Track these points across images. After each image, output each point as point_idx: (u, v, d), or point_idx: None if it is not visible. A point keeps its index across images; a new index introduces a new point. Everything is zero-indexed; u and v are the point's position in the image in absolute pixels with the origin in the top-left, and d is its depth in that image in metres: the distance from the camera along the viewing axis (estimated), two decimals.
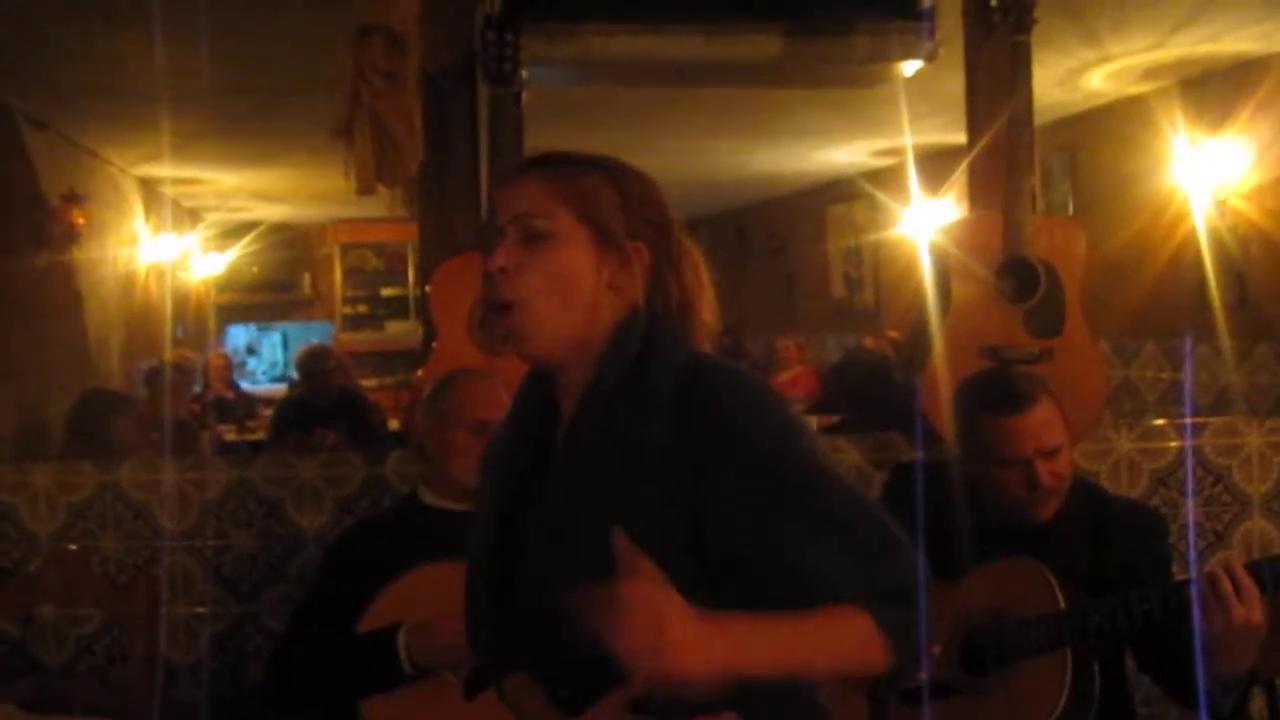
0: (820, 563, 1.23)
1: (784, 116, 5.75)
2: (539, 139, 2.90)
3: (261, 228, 9.54)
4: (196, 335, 8.90)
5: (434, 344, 2.86)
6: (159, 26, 3.56)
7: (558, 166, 1.37)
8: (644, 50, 3.16)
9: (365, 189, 2.51)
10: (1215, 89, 4.73)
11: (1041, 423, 2.06)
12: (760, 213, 9.96)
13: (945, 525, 2.11)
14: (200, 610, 2.89)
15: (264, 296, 10.45)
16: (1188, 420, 3.03)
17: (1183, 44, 4.33)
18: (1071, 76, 4.83)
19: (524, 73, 2.89)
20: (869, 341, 6.55)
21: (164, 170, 6.87)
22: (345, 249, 10.53)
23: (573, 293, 1.33)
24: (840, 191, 8.15)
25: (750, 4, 3.12)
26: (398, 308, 10.48)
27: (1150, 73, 4.79)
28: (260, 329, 10.63)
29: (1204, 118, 4.74)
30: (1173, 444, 2.96)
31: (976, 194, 3.03)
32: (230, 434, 6.42)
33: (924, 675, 2.00)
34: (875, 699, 2.09)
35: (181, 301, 8.33)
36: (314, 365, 6.04)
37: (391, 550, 2.22)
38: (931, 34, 3.15)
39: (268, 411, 6.86)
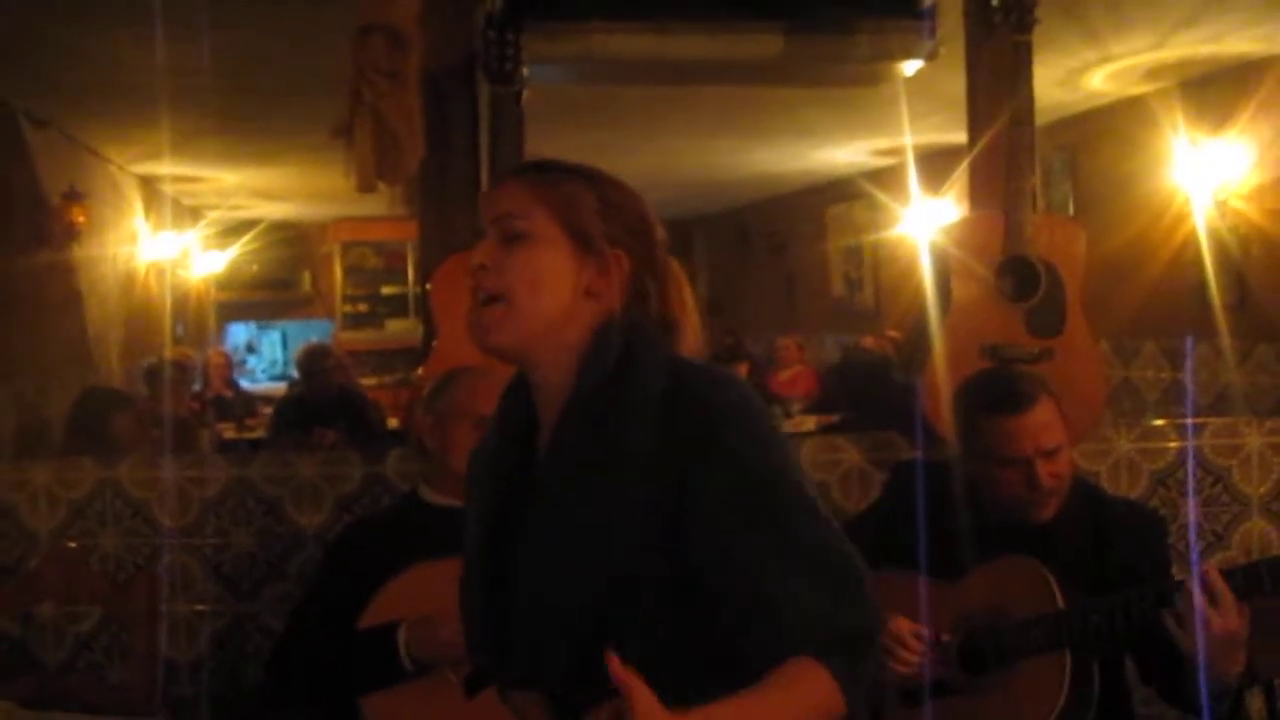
0: (786, 597, 1.24)
1: (785, 115, 5.75)
2: (540, 137, 2.91)
3: (261, 226, 9.53)
4: (196, 333, 8.90)
5: (434, 342, 2.86)
6: (159, 25, 3.56)
7: (540, 172, 1.40)
8: (645, 49, 3.16)
9: (366, 187, 2.51)
10: (1216, 90, 4.73)
11: (1041, 423, 2.06)
12: (760, 212, 9.96)
13: (945, 525, 2.12)
14: (200, 608, 2.89)
15: (264, 295, 10.45)
16: (1188, 420, 3.03)
17: (1184, 44, 4.33)
18: (1072, 76, 4.83)
19: (525, 71, 2.90)
20: (869, 341, 6.55)
21: (164, 168, 6.87)
22: (345, 247, 10.53)
23: (548, 292, 1.35)
24: (840, 191, 8.15)
25: (751, 2, 3.13)
26: (397, 306, 10.48)
27: (1151, 73, 4.79)
28: (260, 327, 10.63)
29: (1205, 118, 4.74)
30: (1173, 444, 2.96)
31: (977, 194, 3.03)
32: (230, 432, 6.41)
33: (918, 667, 2.00)
34: (874, 698, 2.09)
35: (181, 300, 8.33)
36: (314, 364, 6.04)
37: (392, 548, 2.22)
38: (932, 33, 3.15)
39: (267, 410, 6.86)
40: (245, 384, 8.72)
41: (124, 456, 3.01)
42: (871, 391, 4.63)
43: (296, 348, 7.87)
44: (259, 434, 6.31)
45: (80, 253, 5.72)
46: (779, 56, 3.19)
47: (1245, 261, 4.60)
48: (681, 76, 3.72)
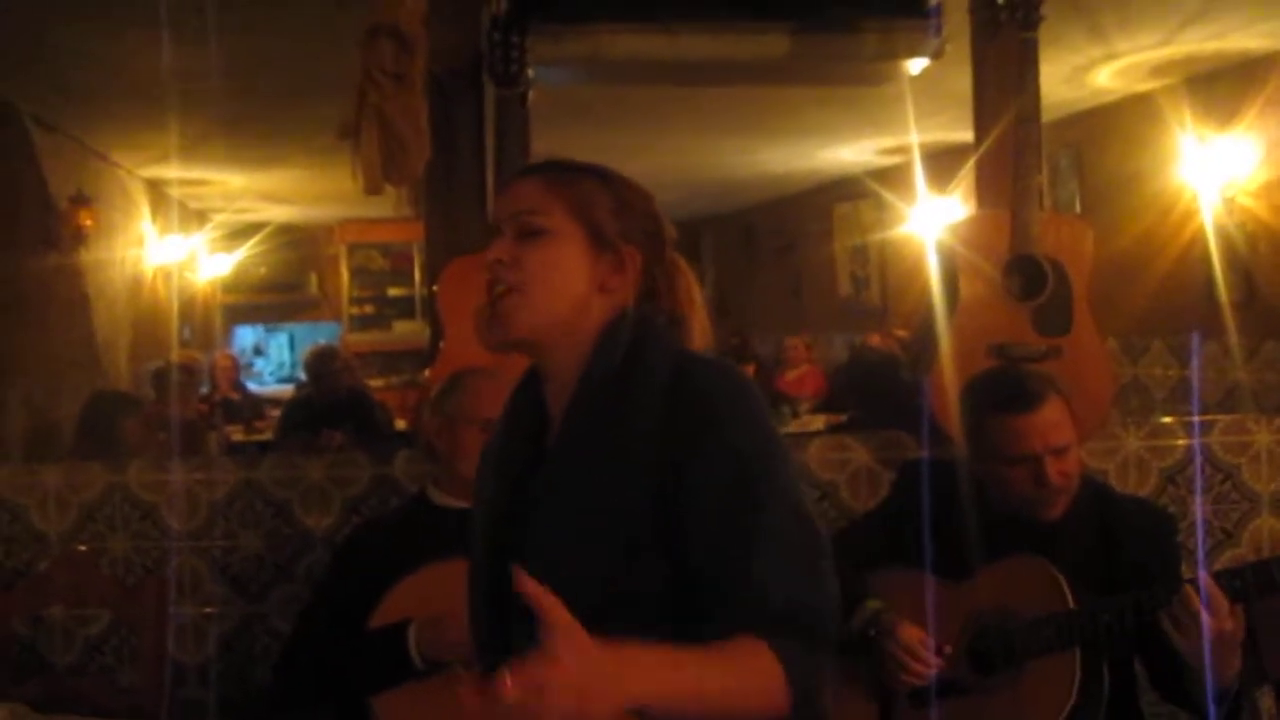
0: (745, 578, 1.26)
1: (791, 115, 5.75)
2: (545, 139, 2.91)
3: (268, 229, 9.55)
4: (203, 336, 8.92)
5: (441, 343, 2.86)
6: (166, 29, 3.57)
7: (554, 171, 1.42)
8: (650, 49, 3.16)
9: (372, 188, 2.52)
10: (1223, 86, 4.72)
11: (1050, 421, 2.05)
12: (767, 212, 9.96)
13: (953, 524, 2.11)
14: (208, 610, 2.90)
15: (271, 297, 10.46)
16: (1196, 418, 3.02)
17: (1190, 41, 4.32)
18: (1078, 74, 4.82)
19: (530, 73, 2.90)
20: (875, 339, 6.54)
21: (171, 172, 6.89)
22: (352, 249, 10.54)
23: (564, 286, 1.37)
24: (847, 190, 8.14)
25: (756, 2, 3.12)
26: (404, 308, 10.49)
27: (1158, 70, 4.78)
28: (267, 330, 10.64)
29: (1212, 115, 4.73)
30: (1181, 442, 2.96)
31: (984, 192, 3.02)
32: (238, 434, 6.43)
33: (930, 679, 2.00)
34: (884, 699, 2.09)
35: (188, 303, 8.35)
36: (321, 366, 6.05)
37: (400, 549, 2.22)
38: (938, 31, 3.14)
39: (275, 412, 6.88)
40: (253, 387, 8.73)
41: (133, 459, 3.02)
42: (879, 390, 4.62)
43: (304, 350, 7.88)
44: (267, 436, 6.32)
45: (88, 256, 5.73)
46: (784, 56, 3.19)
47: (1253, 258, 4.59)
48: (687, 77, 3.71)
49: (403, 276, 10.53)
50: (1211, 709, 1.89)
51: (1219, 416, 3.07)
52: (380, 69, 2.45)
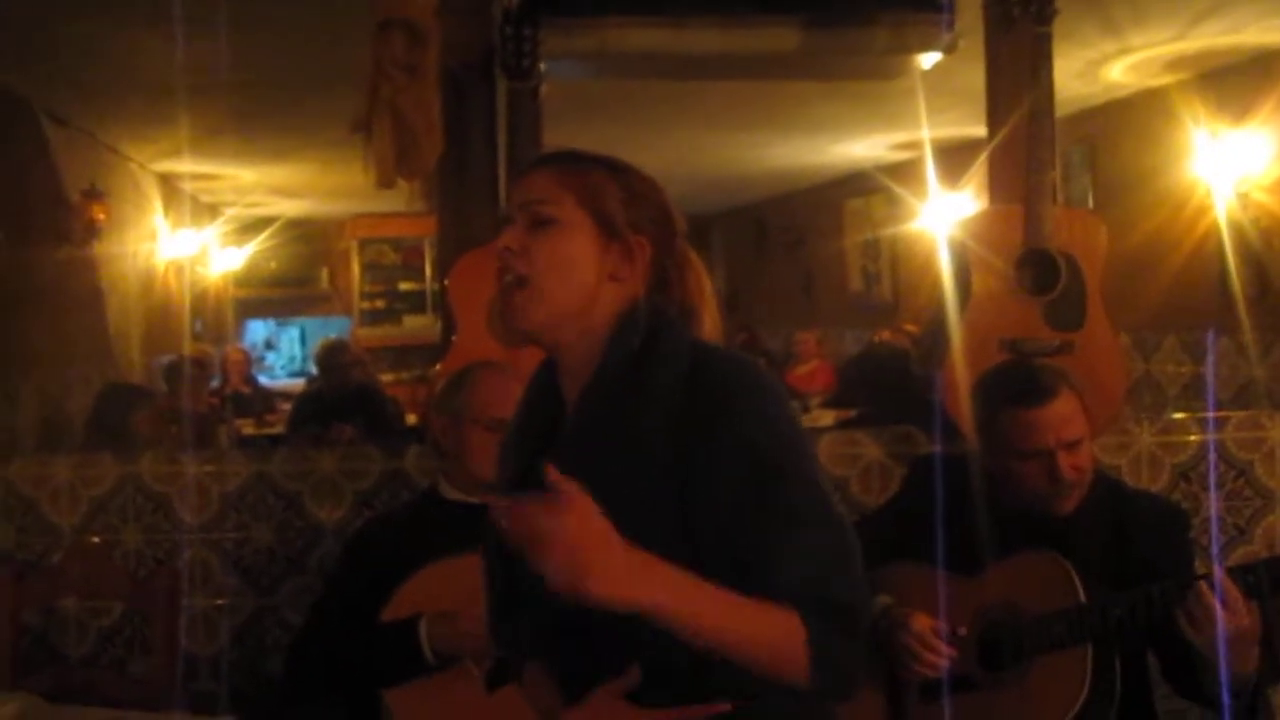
0: (776, 563, 1.27)
1: (802, 110, 5.74)
2: (557, 133, 2.90)
3: (279, 223, 9.57)
4: (215, 330, 8.95)
5: (453, 338, 2.86)
6: (178, 23, 3.57)
7: (565, 161, 1.43)
8: (661, 43, 3.16)
9: (384, 182, 2.52)
10: (1236, 81, 4.69)
11: (1062, 415, 2.04)
12: (778, 207, 9.94)
13: (964, 519, 2.11)
14: (220, 602, 2.91)
15: (282, 291, 10.49)
16: (1210, 414, 3.00)
17: (1204, 36, 4.30)
18: (1092, 68, 4.80)
19: (542, 67, 2.90)
20: (886, 335, 6.53)
21: (183, 166, 6.91)
22: (363, 244, 10.55)
23: (575, 275, 1.38)
24: (858, 185, 8.13)
25: None
26: (415, 302, 10.50)
27: (1171, 65, 4.76)
28: (278, 324, 10.67)
29: (1225, 110, 4.70)
30: (1194, 438, 2.94)
31: (996, 187, 3.01)
32: (249, 428, 6.45)
33: (944, 669, 1.99)
34: (893, 693, 2.09)
35: (200, 296, 8.37)
36: (332, 360, 6.06)
37: (411, 544, 2.22)
38: (951, 25, 3.14)
39: (285, 406, 6.89)
40: (264, 380, 8.74)
41: (145, 452, 3.03)
42: (890, 385, 4.61)
43: (315, 344, 7.89)
44: (278, 430, 6.33)
45: (101, 250, 5.75)
46: (796, 50, 3.18)
47: (1267, 254, 4.56)
48: (698, 71, 3.71)
49: (414, 271, 10.54)
50: (1226, 703, 1.88)
51: (1232, 413, 3.05)
52: (392, 62, 2.45)
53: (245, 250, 9.44)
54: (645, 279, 1.41)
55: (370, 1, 2.54)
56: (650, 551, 1.26)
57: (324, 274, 10.77)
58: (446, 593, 2.09)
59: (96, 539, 2.88)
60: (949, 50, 3.18)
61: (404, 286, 10.57)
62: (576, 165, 1.42)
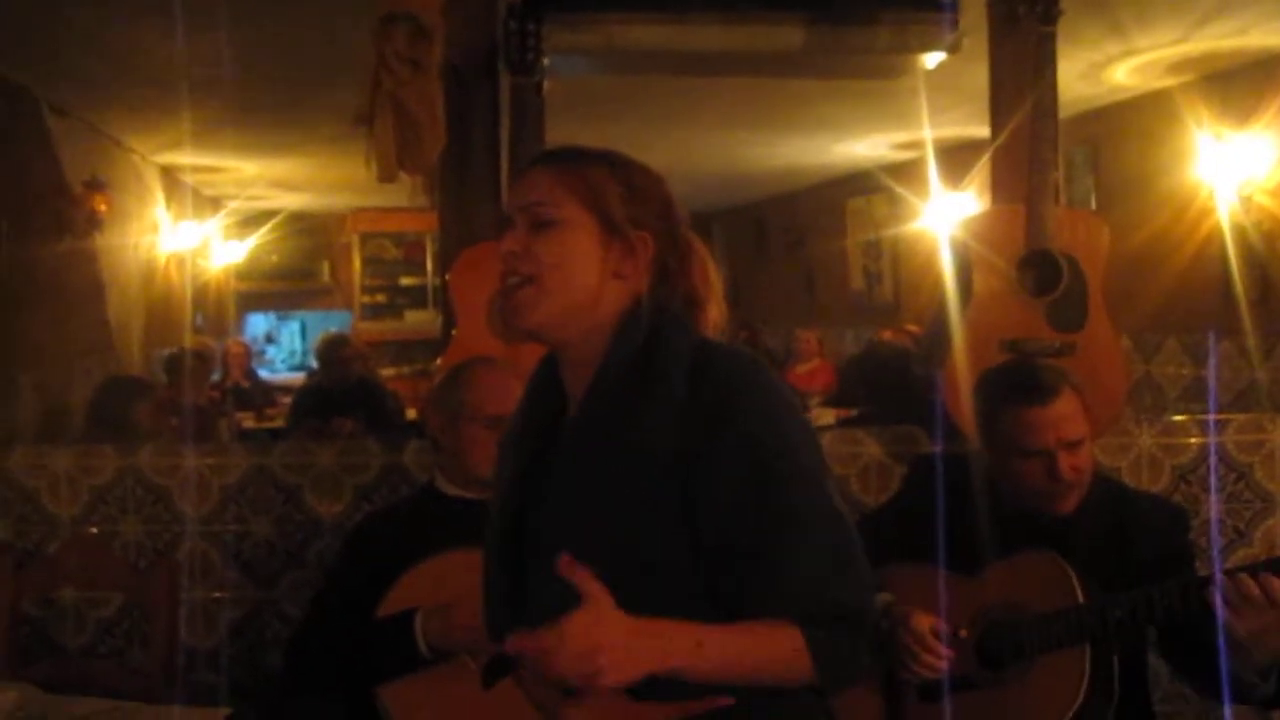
0: (779, 565, 1.28)
1: (805, 108, 5.73)
2: (560, 129, 2.90)
3: (280, 216, 9.57)
4: (216, 323, 8.94)
5: (454, 333, 2.86)
6: (181, 14, 3.57)
7: (564, 159, 1.43)
8: (664, 40, 3.16)
9: (387, 176, 2.51)
10: (1240, 84, 4.69)
11: (1064, 414, 2.05)
12: (779, 206, 9.94)
13: (964, 519, 2.11)
14: (219, 595, 2.91)
15: (283, 285, 10.48)
16: (1210, 416, 3.00)
17: (1208, 38, 4.29)
18: (1095, 70, 4.80)
19: (545, 62, 2.89)
20: (887, 335, 6.53)
21: (185, 158, 6.90)
22: (364, 238, 10.55)
23: (578, 275, 1.38)
24: (860, 184, 8.12)
25: None
26: (416, 297, 10.50)
27: (1175, 67, 4.76)
28: (279, 317, 10.66)
29: (1229, 112, 4.70)
30: (1194, 440, 2.94)
31: (999, 187, 3.01)
32: (249, 421, 6.45)
33: (943, 671, 1.99)
34: (891, 693, 2.09)
35: (201, 289, 8.37)
36: (333, 353, 6.06)
37: (409, 538, 2.22)
38: (954, 25, 3.13)
39: (286, 400, 6.89)
40: (264, 374, 8.74)
41: (145, 444, 3.03)
42: (891, 384, 4.61)
43: (315, 338, 7.89)
44: (278, 423, 6.34)
45: (102, 242, 5.75)
46: (799, 48, 3.18)
47: (1269, 257, 4.56)
48: (701, 68, 3.71)
49: (415, 266, 10.54)
50: (1226, 696, 1.87)
51: (1233, 415, 3.05)
52: (396, 56, 2.45)
53: (247, 243, 9.43)
54: (649, 274, 1.41)
55: None
56: (651, 549, 1.27)
57: (325, 268, 10.77)
58: (443, 587, 2.09)
59: (95, 530, 2.88)
60: (952, 50, 3.18)
61: (405, 281, 10.58)
62: (576, 163, 1.41)
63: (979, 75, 3.09)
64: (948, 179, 6.27)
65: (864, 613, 1.31)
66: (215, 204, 8.88)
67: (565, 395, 1.45)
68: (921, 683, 2.03)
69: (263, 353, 10.19)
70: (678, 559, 1.31)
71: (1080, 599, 1.98)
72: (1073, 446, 2.04)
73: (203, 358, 6.32)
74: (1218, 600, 1.84)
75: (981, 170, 3.46)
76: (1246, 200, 4.66)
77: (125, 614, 2.89)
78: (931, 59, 3.25)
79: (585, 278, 1.38)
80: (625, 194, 1.41)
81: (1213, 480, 2.90)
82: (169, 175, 7.32)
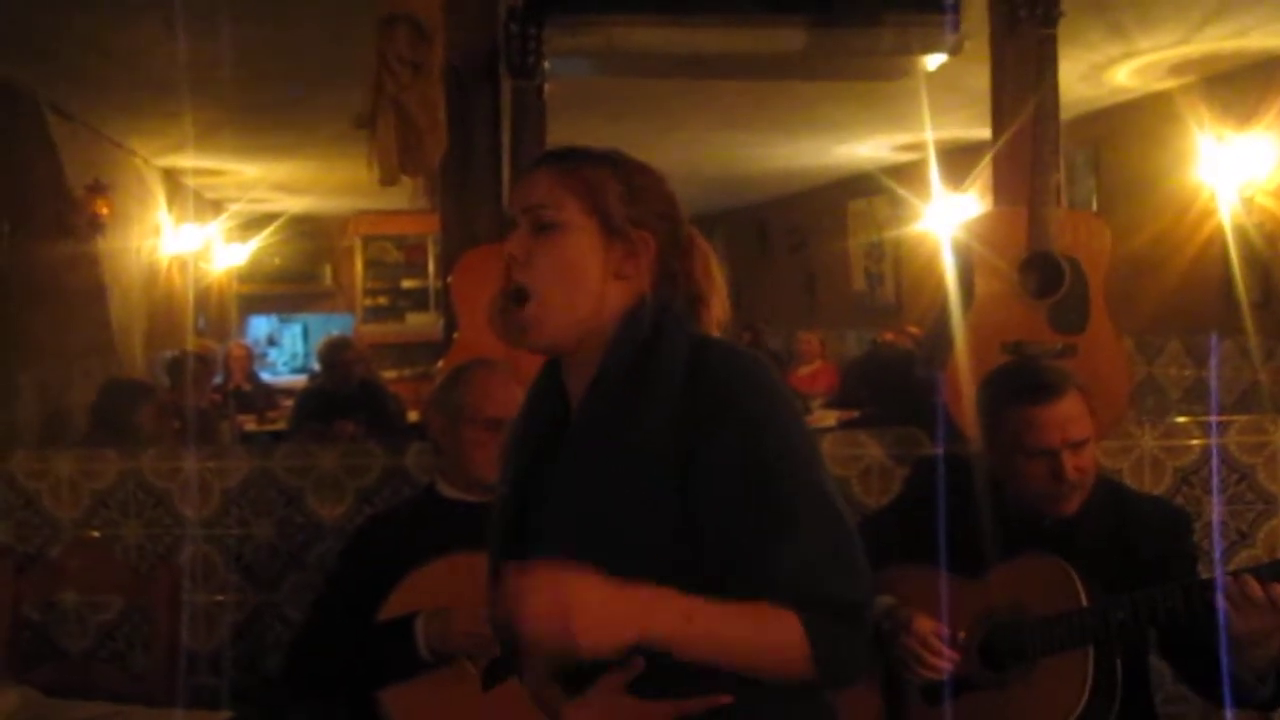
0: (774, 559, 1.28)
1: (806, 110, 5.73)
2: (561, 131, 2.90)
3: (282, 219, 9.57)
4: (218, 326, 8.95)
5: (455, 335, 2.86)
6: (183, 18, 3.57)
7: (566, 160, 1.43)
8: (666, 42, 3.15)
9: (388, 179, 2.51)
10: (1242, 85, 4.69)
11: (1069, 415, 2.04)
12: (781, 207, 9.94)
13: (967, 520, 2.11)
14: (220, 598, 2.91)
15: (285, 288, 10.48)
16: (1213, 418, 3.00)
17: (1209, 39, 4.29)
18: (1097, 71, 4.80)
19: (546, 65, 2.89)
20: (889, 336, 6.53)
21: (187, 161, 6.91)
22: (366, 241, 10.56)
23: (581, 280, 1.38)
24: (862, 186, 8.12)
25: None
26: (418, 300, 10.51)
27: (1176, 68, 4.75)
28: (281, 320, 10.67)
29: (1230, 114, 4.70)
30: (1196, 442, 2.94)
31: (1000, 189, 3.01)
32: (251, 424, 6.45)
33: (946, 673, 1.99)
34: (893, 694, 2.09)
35: (203, 292, 8.38)
36: (335, 356, 6.07)
37: (410, 541, 2.22)
38: (956, 27, 3.13)
39: (288, 403, 6.89)
40: (266, 377, 8.75)
41: (146, 447, 3.03)
42: (895, 386, 4.61)
43: (317, 341, 7.89)
44: (280, 426, 6.34)
45: (104, 245, 5.75)
46: (801, 50, 3.18)
47: (1271, 258, 4.56)
48: (703, 70, 3.71)
49: (417, 269, 10.55)
50: (1228, 700, 1.87)
51: (1235, 417, 3.05)
52: (397, 58, 2.44)
53: (248, 246, 9.44)
54: (652, 274, 1.41)
55: None
56: (651, 549, 1.27)
57: (327, 270, 10.77)
58: (443, 591, 2.09)
59: (97, 533, 2.88)
60: (954, 52, 3.18)
61: (407, 284, 10.58)
62: (576, 165, 1.42)
63: (980, 77, 3.09)
64: (949, 181, 6.27)
65: (861, 607, 1.31)
66: (217, 207, 8.89)
67: (567, 397, 1.45)
68: (924, 684, 2.03)
69: (264, 355, 10.19)
70: (678, 557, 1.31)
71: (1083, 601, 1.98)
72: (1077, 447, 2.04)
73: (204, 361, 6.32)
74: (1220, 601, 1.84)
75: (983, 172, 3.47)
76: (1248, 201, 4.66)
77: (126, 618, 2.89)
78: (933, 61, 3.25)
79: (587, 283, 1.38)
80: (626, 194, 1.41)
81: (1215, 482, 2.90)
82: (171, 178, 7.32)
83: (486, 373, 2.32)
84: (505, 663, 1.56)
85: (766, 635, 1.27)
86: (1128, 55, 4.55)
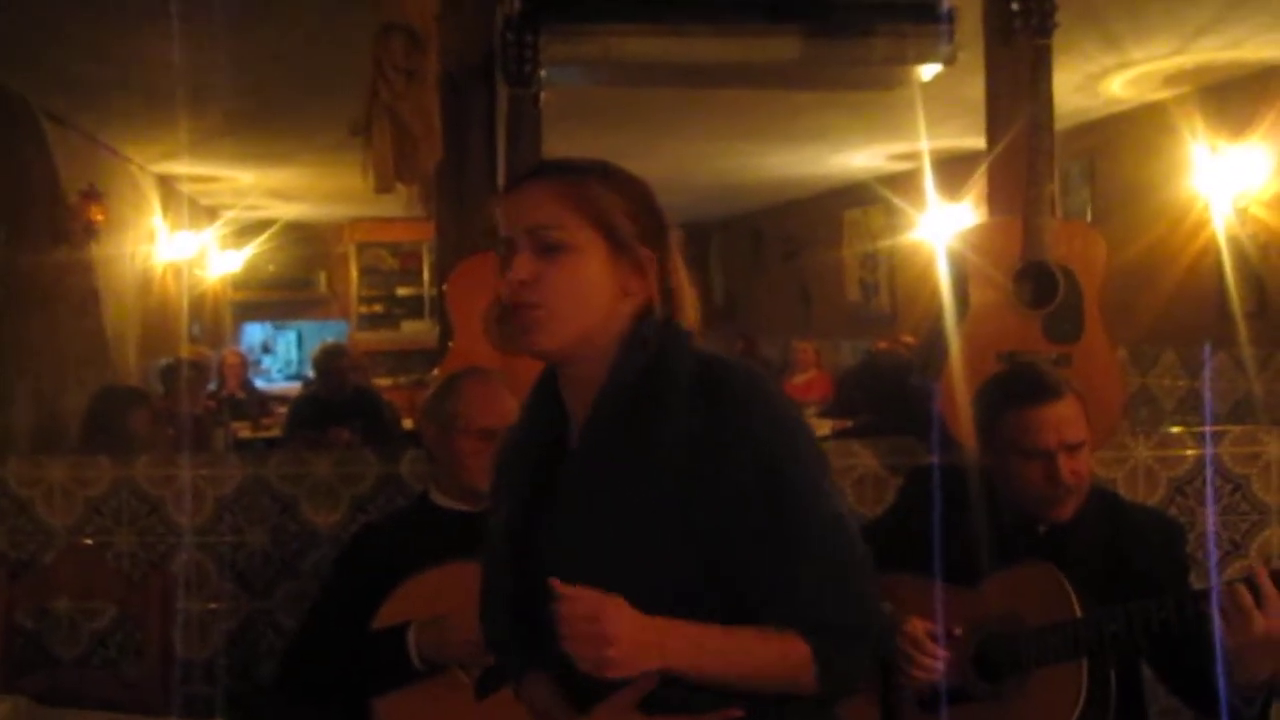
0: (785, 582, 1.30)
1: (801, 119, 5.74)
2: (557, 139, 2.91)
3: (277, 226, 9.57)
4: (212, 332, 8.94)
5: (450, 343, 2.86)
6: (178, 24, 3.57)
7: (564, 174, 1.38)
8: (662, 51, 3.16)
9: (383, 186, 2.51)
10: (1236, 96, 4.70)
11: (1065, 417, 2.05)
12: (776, 216, 9.95)
13: (961, 530, 2.11)
14: (214, 606, 2.90)
15: (279, 295, 10.48)
16: (1207, 428, 3.00)
17: (1204, 50, 4.30)
18: (1091, 82, 4.81)
19: (542, 73, 2.89)
20: (883, 346, 6.53)
21: (182, 168, 6.91)
22: (361, 248, 10.56)
23: (590, 299, 1.36)
24: (857, 196, 8.13)
25: (768, 6, 3.12)
26: (413, 307, 10.51)
27: (1171, 79, 4.77)
28: (276, 327, 10.66)
29: (1225, 125, 4.71)
30: (1190, 452, 2.94)
31: (995, 199, 3.01)
32: (245, 431, 6.44)
33: (939, 673, 1.99)
34: (889, 704, 2.08)
35: (198, 299, 8.36)
36: (330, 363, 6.06)
37: (403, 550, 2.22)
38: (950, 37, 3.13)
39: (282, 410, 6.88)
40: (260, 384, 8.74)
41: (140, 454, 3.03)
42: (890, 394, 4.61)
43: (312, 348, 7.89)
44: (274, 433, 6.33)
45: (98, 251, 5.74)
46: (796, 60, 3.18)
47: (1265, 269, 4.57)
48: (698, 79, 3.71)
49: (411, 276, 10.56)
50: (1224, 711, 1.87)
51: (1229, 427, 3.05)
52: (392, 66, 2.45)
53: (243, 253, 9.43)
54: (654, 290, 1.39)
55: (371, 5, 2.54)
56: (662, 562, 1.29)
57: (322, 278, 10.77)
58: (437, 600, 2.09)
59: (90, 541, 2.87)
60: (948, 62, 3.18)
61: (401, 291, 10.59)
62: (577, 179, 1.37)
63: (975, 87, 3.09)
64: (944, 190, 6.28)
65: (869, 626, 1.33)
66: (212, 213, 8.88)
67: (565, 411, 1.44)
68: (919, 694, 2.03)
69: (259, 362, 10.19)
70: (688, 577, 1.31)
71: (1077, 612, 1.98)
72: (1073, 450, 2.05)
73: (199, 367, 6.31)
74: (1214, 610, 1.84)
75: (978, 182, 3.47)
76: (1242, 212, 4.67)
77: (119, 625, 2.88)
78: (928, 71, 3.25)
79: (597, 301, 1.36)
80: (630, 210, 1.38)
81: (1209, 492, 2.90)
82: (166, 185, 7.31)
83: (479, 383, 2.32)
84: (498, 673, 1.56)
85: (775, 659, 1.30)
86: (1122, 66, 4.57)
